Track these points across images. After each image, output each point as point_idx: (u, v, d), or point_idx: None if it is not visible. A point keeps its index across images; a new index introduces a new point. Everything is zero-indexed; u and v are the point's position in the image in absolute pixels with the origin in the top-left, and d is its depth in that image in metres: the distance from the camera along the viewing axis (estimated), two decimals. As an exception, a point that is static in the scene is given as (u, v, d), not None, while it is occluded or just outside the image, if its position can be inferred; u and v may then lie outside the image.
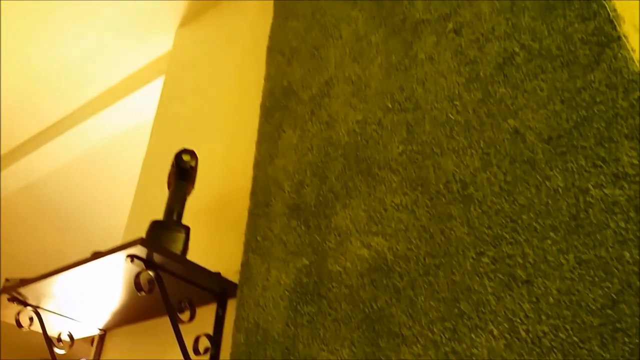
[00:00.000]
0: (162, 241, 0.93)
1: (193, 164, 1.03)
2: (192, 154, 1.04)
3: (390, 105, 0.99)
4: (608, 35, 0.75)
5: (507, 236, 0.72)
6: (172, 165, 1.04)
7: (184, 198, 1.03)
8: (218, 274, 0.99)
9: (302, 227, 0.97)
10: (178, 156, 1.02)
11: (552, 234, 0.68)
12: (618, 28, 0.74)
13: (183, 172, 1.02)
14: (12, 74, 1.92)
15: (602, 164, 0.68)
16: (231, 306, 1.01)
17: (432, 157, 0.88)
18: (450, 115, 0.88)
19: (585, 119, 0.72)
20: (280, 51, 1.30)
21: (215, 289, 1.01)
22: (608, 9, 0.76)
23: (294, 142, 1.11)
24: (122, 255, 0.87)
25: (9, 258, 2.88)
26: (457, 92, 0.90)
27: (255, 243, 1.02)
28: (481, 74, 0.88)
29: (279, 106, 1.21)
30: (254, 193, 1.10)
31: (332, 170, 1.01)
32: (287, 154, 1.11)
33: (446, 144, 0.87)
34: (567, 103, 0.75)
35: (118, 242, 1.34)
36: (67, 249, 2.83)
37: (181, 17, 1.72)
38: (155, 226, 0.96)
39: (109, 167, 2.39)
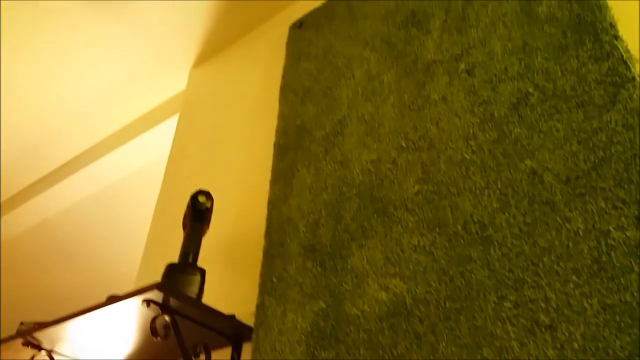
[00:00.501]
0: (178, 285, 0.92)
1: (209, 205, 1.04)
2: (207, 195, 1.04)
3: (404, 145, 1.00)
4: (622, 75, 0.75)
5: (529, 280, 0.70)
6: (188, 207, 1.04)
7: (200, 240, 1.03)
8: (233, 317, 0.98)
9: (318, 269, 0.96)
10: (194, 197, 1.03)
11: (574, 278, 0.67)
12: (632, 69, 0.75)
13: (199, 214, 1.02)
14: (26, 113, 1.96)
15: (622, 206, 0.68)
16: (246, 350, 0.99)
17: (449, 197, 0.87)
18: (466, 155, 0.88)
19: (603, 159, 0.72)
20: (294, 91, 1.32)
21: (230, 332, 1.00)
22: (621, 50, 0.77)
23: (308, 181, 1.12)
24: (138, 299, 0.86)
25: (18, 297, 2.88)
26: (471, 131, 0.90)
27: (270, 285, 1.01)
28: (495, 114, 0.88)
29: (292, 145, 1.21)
30: (268, 233, 1.10)
31: (348, 209, 1.01)
32: (301, 194, 1.11)
33: (462, 184, 0.86)
34: (584, 144, 0.75)
35: (129, 283, 1.34)
36: (77, 289, 2.83)
37: (195, 57, 1.76)
38: (171, 269, 0.96)
39: (121, 206, 2.41)
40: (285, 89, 1.34)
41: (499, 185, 0.81)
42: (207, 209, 1.04)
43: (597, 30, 0.81)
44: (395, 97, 1.07)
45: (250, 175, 1.30)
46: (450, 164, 0.90)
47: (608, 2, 0.89)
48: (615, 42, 0.78)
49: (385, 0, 1.22)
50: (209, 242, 1.17)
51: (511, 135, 0.84)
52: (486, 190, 0.82)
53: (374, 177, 1.01)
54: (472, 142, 0.89)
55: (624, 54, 0.76)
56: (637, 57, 0.76)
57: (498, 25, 0.95)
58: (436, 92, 1.00)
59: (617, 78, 0.75)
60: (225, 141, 1.46)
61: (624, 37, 0.81)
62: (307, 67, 1.33)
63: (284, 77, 1.38)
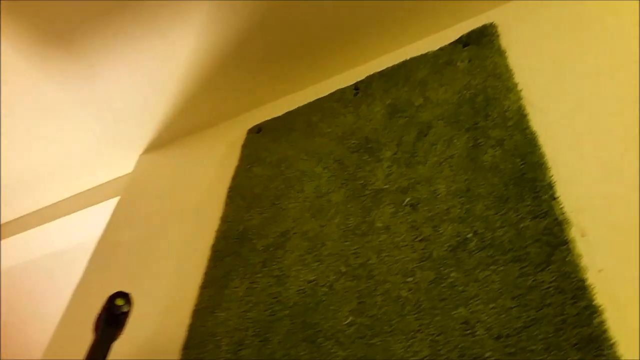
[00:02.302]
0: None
1: (126, 309, 0.95)
2: (126, 298, 0.96)
3: (343, 270, 0.97)
4: (558, 236, 0.77)
5: None
6: (103, 309, 0.95)
7: (109, 347, 0.93)
8: None
9: (234, 397, 0.88)
10: (111, 300, 0.94)
11: None
12: (566, 231, 0.77)
13: (113, 318, 0.93)
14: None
15: (552, 373, 0.66)
16: None
17: (381, 334, 0.83)
18: (402, 292, 0.86)
19: (535, 320, 0.71)
20: (241, 195, 1.29)
21: None
22: (557, 211, 0.80)
23: (240, 293, 1.06)
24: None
25: None
26: (410, 268, 0.89)
27: (179, 408, 0.91)
28: (434, 254, 0.88)
29: (230, 251, 1.17)
30: (187, 347, 1.01)
31: (276, 332, 0.94)
32: (231, 306, 1.04)
33: (396, 322, 0.83)
34: (517, 300, 0.74)
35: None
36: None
37: (147, 143, 1.73)
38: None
39: (36, 284, 2.22)
40: (233, 192, 1.32)
41: (432, 331, 0.78)
42: (123, 313, 0.95)
43: (536, 188, 0.84)
44: (341, 219, 1.06)
45: (181, 277, 1.23)
46: (387, 298, 0.87)
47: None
48: (553, 202, 0.81)
49: (343, 123, 1.25)
50: (124, 346, 1.07)
51: (447, 278, 0.83)
52: (419, 334, 0.79)
53: (309, 300, 0.96)
54: (410, 279, 0.87)
55: (559, 216, 0.79)
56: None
57: (445, 166, 0.98)
58: (381, 220, 1.00)
59: (553, 238, 0.77)
60: (161, 235, 1.39)
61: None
62: (259, 173, 1.32)
63: (234, 179, 1.36)
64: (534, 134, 0.90)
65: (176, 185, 1.54)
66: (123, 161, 1.78)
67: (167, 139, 1.71)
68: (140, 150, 1.76)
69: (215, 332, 1.00)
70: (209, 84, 1.46)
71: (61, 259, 2.04)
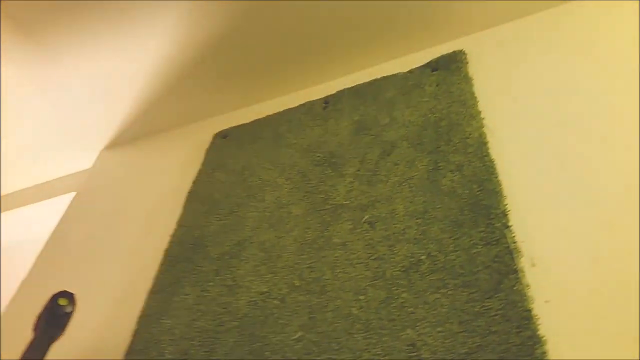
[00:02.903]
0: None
1: (69, 310, 0.92)
2: (71, 298, 0.92)
3: (297, 283, 0.96)
4: (508, 265, 0.78)
5: None
6: (44, 308, 0.91)
7: (47, 348, 0.89)
8: None
9: (173, 408, 0.85)
10: (53, 299, 0.90)
11: None
12: (516, 260, 0.78)
13: (55, 319, 0.90)
14: None
15: (492, 400, 0.66)
16: None
17: (329, 352, 0.83)
18: (353, 310, 0.86)
19: (480, 347, 0.71)
20: (201, 200, 1.27)
21: None
22: (508, 240, 0.81)
23: (190, 301, 1.03)
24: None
25: None
26: (363, 286, 0.88)
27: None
28: (387, 273, 0.88)
29: (184, 257, 1.14)
30: (130, 353, 0.98)
31: (223, 343, 0.92)
32: (179, 314, 1.02)
33: (345, 340, 0.83)
34: (464, 325, 0.74)
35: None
36: None
37: (109, 140, 1.69)
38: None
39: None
40: (193, 196, 1.29)
41: (379, 351, 0.78)
42: (66, 314, 0.92)
43: (491, 215, 0.85)
44: (300, 231, 1.06)
45: (131, 280, 1.19)
46: (338, 315, 0.87)
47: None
48: (505, 230, 0.82)
49: (310, 136, 1.25)
50: (61, 350, 1.02)
51: (398, 299, 0.83)
52: (365, 353, 0.79)
53: (259, 312, 0.95)
54: (361, 297, 0.87)
55: (510, 244, 0.80)
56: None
57: (405, 186, 0.98)
58: (338, 236, 1.00)
59: (503, 266, 0.78)
60: (114, 235, 1.35)
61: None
62: (222, 179, 1.30)
63: (195, 183, 1.34)
64: (493, 161, 0.92)
65: (135, 184, 1.51)
66: (83, 155, 1.73)
67: (130, 136, 1.67)
68: (102, 145, 1.71)
69: (161, 340, 0.97)
70: (178, 85, 1.44)
71: (8, 254, 1.96)
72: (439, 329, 0.76)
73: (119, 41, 1.31)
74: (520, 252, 0.79)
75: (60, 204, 1.66)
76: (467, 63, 1.16)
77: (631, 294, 0.70)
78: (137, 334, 1.01)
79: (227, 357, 0.90)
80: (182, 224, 1.23)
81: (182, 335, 0.97)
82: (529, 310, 0.72)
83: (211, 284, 1.05)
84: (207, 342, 0.94)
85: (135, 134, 1.66)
